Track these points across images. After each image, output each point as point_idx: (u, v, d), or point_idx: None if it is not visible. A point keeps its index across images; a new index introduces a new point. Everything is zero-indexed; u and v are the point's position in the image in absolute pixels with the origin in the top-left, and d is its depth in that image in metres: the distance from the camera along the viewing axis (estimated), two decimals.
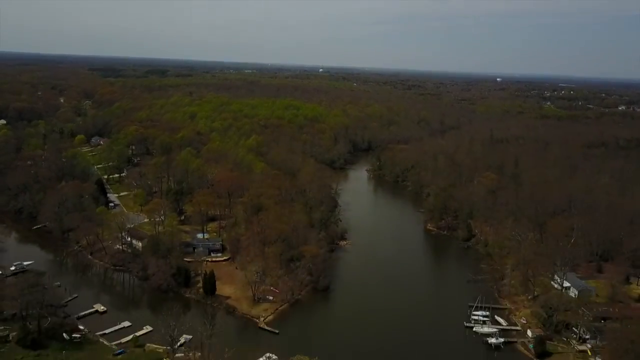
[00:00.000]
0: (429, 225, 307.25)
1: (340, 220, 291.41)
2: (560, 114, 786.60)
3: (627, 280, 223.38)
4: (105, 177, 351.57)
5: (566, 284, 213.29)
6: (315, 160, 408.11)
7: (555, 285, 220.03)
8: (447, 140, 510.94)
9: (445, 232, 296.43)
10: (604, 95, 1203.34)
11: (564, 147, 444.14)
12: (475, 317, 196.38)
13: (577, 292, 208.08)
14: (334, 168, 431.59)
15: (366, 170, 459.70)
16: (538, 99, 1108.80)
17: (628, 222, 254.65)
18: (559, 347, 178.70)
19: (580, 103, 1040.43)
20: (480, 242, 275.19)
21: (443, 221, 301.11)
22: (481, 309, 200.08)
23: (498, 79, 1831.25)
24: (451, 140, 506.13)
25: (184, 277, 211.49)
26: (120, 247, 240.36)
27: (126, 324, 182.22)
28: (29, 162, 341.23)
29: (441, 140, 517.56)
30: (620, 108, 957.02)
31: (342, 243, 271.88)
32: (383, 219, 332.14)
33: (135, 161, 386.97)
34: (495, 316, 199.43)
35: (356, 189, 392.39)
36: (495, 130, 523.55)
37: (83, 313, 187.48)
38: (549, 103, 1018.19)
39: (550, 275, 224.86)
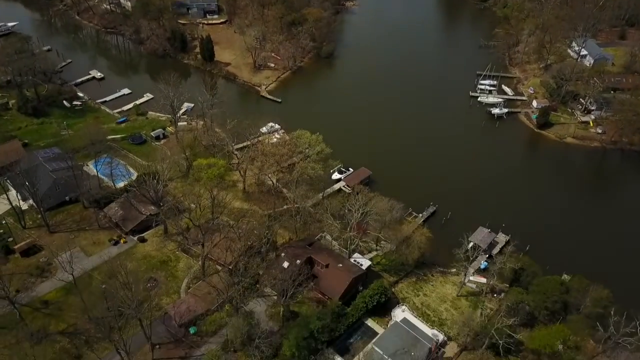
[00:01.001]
0: None
1: None
2: None
3: None
4: None
5: (583, 52, 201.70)
6: None
7: (571, 54, 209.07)
8: None
9: None
10: None
11: None
12: (482, 87, 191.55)
13: (592, 61, 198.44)
14: None
15: None
16: None
17: None
18: (561, 118, 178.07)
19: None
20: (498, 3, 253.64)
21: None
22: (489, 77, 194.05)
23: None
24: None
25: (180, 42, 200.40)
26: (108, 6, 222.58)
27: (126, 91, 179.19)
28: None
29: None
30: None
31: (349, 4, 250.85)
32: None
33: None
34: (503, 85, 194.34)
35: None
36: None
37: (80, 79, 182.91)
38: None
39: (567, 43, 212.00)
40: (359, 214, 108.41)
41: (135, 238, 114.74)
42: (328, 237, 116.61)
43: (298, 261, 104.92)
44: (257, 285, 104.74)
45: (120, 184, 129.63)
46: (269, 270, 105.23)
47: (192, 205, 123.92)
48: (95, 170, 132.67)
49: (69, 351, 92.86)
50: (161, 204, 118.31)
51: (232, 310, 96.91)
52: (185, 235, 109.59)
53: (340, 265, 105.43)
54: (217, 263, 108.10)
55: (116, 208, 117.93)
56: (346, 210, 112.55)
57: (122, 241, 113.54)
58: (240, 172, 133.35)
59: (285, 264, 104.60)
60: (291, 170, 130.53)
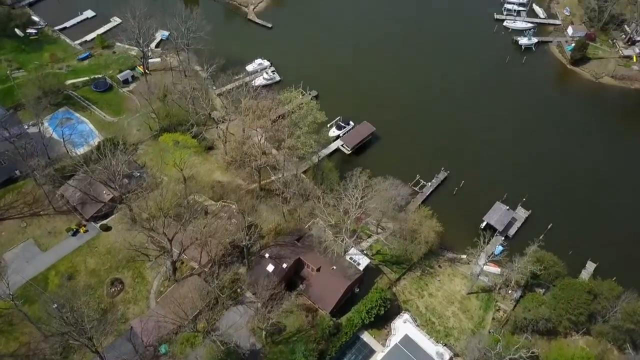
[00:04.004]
0: None
1: None
2: None
3: None
4: None
5: None
6: None
7: None
8: None
9: None
10: None
11: None
12: (510, 6, 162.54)
13: None
14: None
15: None
16: None
17: None
18: (600, 51, 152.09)
19: None
20: None
21: None
22: None
23: None
24: None
25: None
26: None
27: (89, 13, 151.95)
28: None
29: None
30: None
31: None
32: None
33: None
34: (534, 5, 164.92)
35: None
36: None
37: None
38: None
39: None
40: (356, 208, 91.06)
41: (98, 225, 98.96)
42: (321, 223, 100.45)
43: (285, 265, 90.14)
44: (238, 291, 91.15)
45: (81, 150, 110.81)
46: (250, 272, 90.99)
47: (164, 178, 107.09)
48: (52, 130, 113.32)
49: None
50: (127, 180, 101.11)
51: (207, 327, 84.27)
52: (152, 226, 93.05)
53: (334, 268, 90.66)
54: (192, 260, 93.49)
55: (74, 187, 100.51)
56: (342, 194, 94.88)
57: (82, 230, 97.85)
58: (220, 133, 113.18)
59: (270, 267, 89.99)
60: (280, 126, 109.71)
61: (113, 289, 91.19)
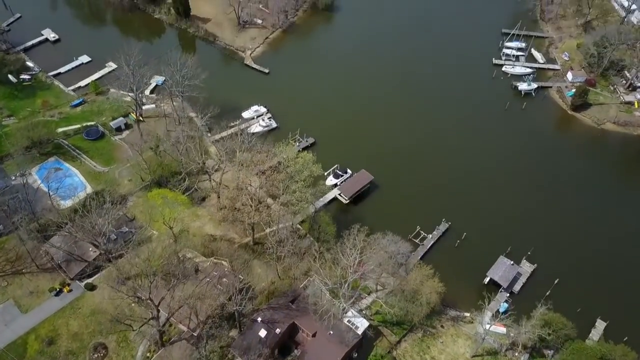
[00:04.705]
0: None
1: None
2: None
3: None
4: None
5: (633, 5, 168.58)
6: None
7: (617, 7, 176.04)
8: None
9: None
10: None
11: None
12: (508, 51, 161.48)
13: None
14: None
15: None
16: None
17: None
18: (601, 97, 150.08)
19: None
20: None
21: None
22: (517, 38, 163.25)
23: None
24: None
25: None
26: None
27: (85, 59, 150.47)
28: None
29: None
30: None
31: None
32: None
33: None
34: (533, 49, 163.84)
35: None
36: None
37: (31, 43, 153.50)
38: None
39: None
40: (354, 269, 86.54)
41: (83, 284, 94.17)
42: (317, 281, 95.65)
43: (278, 330, 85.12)
44: (229, 357, 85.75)
45: (69, 202, 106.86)
46: (242, 336, 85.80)
47: (154, 232, 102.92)
48: (40, 182, 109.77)
49: None
50: (115, 236, 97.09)
51: None
52: (139, 286, 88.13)
53: (331, 332, 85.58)
54: (181, 323, 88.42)
55: (59, 244, 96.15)
56: (340, 255, 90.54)
57: (65, 290, 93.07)
58: (213, 184, 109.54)
59: (263, 333, 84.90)
60: (275, 181, 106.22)
61: (96, 355, 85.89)
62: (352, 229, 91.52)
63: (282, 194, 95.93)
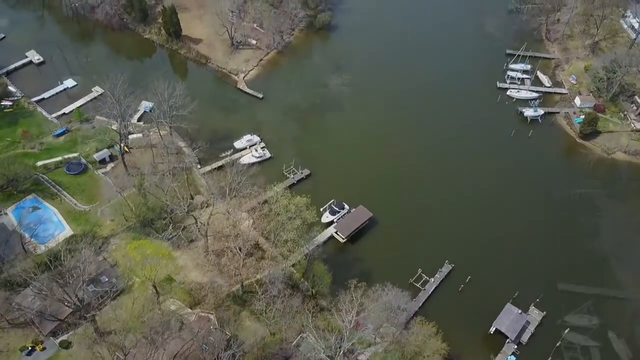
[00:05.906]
0: None
1: None
2: None
3: None
4: None
5: None
6: None
7: (625, 27, 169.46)
8: None
9: None
10: None
11: None
12: (513, 74, 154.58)
13: None
14: None
15: None
16: None
17: None
18: (610, 124, 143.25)
19: None
20: None
21: None
22: (522, 60, 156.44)
23: None
24: None
25: (140, 10, 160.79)
26: None
27: (70, 83, 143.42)
28: None
29: None
30: None
31: None
32: None
33: None
34: (538, 72, 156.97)
35: None
36: None
37: (14, 65, 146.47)
38: None
39: (622, 12, 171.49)
40: (350, 332, 79.50)
41: (57, 342, 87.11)
42: (310, 339, 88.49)
43: None
44: None
45: (47, 245, 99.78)
46: None
47: (136, 279, 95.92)
48: (15, 222, 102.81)
49: None
50: (93, 286, 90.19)
51: None
52: (117, 346, 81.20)
53: None
54: None
55: (33, 296, 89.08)
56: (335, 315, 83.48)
57: (38, 348, 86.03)
58: (198, 224, 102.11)
59: None
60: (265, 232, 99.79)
61: None
62: (349, 284, 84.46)
63: (273, 245, 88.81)
